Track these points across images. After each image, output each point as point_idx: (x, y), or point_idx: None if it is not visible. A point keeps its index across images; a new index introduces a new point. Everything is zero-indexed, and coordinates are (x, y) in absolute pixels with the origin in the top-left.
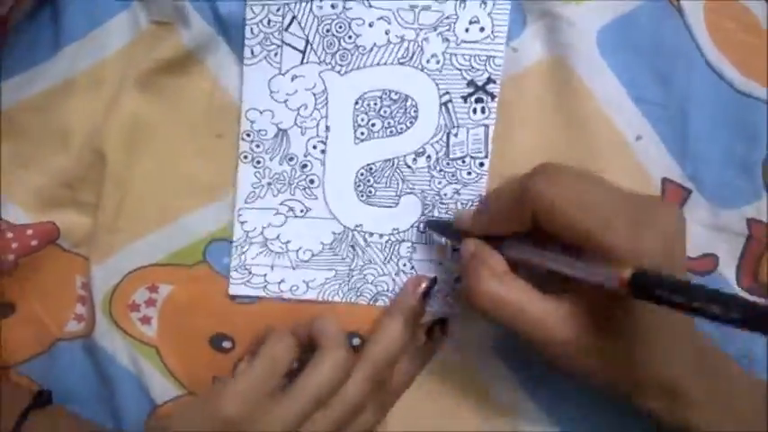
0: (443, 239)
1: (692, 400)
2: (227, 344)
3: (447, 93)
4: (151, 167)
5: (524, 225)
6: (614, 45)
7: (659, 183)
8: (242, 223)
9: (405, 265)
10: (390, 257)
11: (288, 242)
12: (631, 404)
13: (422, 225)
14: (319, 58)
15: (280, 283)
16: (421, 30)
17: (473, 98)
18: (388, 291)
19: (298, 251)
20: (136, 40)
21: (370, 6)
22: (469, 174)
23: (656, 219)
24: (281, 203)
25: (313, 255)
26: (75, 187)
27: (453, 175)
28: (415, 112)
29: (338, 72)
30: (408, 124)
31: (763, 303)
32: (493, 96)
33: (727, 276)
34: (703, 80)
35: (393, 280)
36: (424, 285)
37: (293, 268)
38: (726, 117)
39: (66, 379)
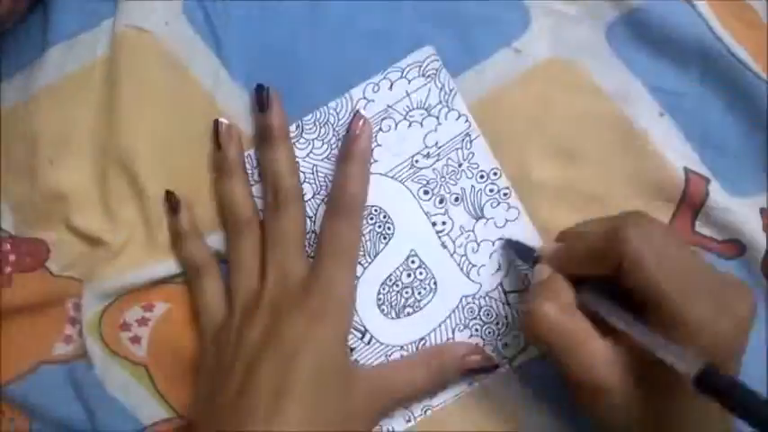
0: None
1: None
2: None
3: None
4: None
5: (605, 270)
6: (625, 39)
7: (679, 172)
8: None
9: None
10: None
11: None
12: None
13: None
14: None
15: None
16: None
17: None
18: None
19: None
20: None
21: None
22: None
23: (733, 302)
24: None
25: None
26: (69, 203)
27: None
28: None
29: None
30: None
31: None
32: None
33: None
34: (721, 66)
35: None
36: None
37: None
38: (744, 103)
39: (49, 402)
